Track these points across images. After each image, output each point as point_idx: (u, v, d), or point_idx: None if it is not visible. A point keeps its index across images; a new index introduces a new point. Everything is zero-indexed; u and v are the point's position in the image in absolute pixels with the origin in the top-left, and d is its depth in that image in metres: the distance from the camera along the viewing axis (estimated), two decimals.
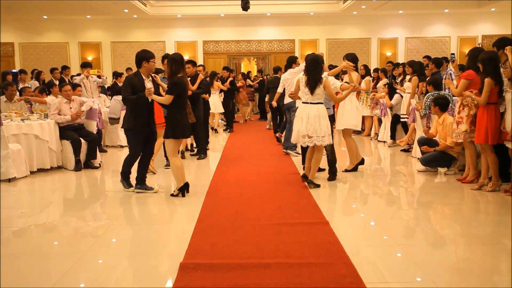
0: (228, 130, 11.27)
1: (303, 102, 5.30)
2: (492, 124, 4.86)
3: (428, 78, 7.76)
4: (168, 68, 4.96)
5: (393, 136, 8.51)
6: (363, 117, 10.07)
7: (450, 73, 7.94)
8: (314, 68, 5.19)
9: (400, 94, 8.31)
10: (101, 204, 5.10)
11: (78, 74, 10.06)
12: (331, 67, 10.41)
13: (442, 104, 6.03)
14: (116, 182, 5.76)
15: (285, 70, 7.82)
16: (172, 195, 5.11)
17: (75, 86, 7.80)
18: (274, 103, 8.46)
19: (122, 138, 8.61)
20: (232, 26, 17.01)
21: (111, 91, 10.24)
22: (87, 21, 16.72)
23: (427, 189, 5.55)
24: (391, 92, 8.61)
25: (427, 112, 6.57)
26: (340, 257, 3.33)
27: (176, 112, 4.96)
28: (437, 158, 6.05)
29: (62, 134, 6.68)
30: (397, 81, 8.84)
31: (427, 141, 6.39)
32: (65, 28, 16.78)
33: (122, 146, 8.63)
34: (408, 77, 8.26)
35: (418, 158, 6.59)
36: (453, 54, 6.46)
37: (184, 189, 5.07)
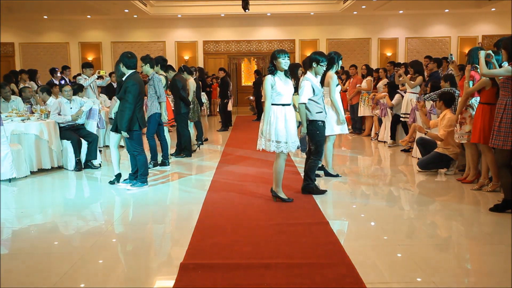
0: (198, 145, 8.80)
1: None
2: (486, 124, 4.86)
3: (428, 78, 7.76)
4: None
5: (393, 136, 8.51)
6: (364, 117, 10.09)
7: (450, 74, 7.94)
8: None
9: (401, 94, 8.31)
10: (101, 204, 5.10)
11: (79, 74, 10.05)
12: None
13: (447, 100, 6.03)
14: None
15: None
16: (110, 182, 5.72)
17: (81, 88, 7.84)
18: None
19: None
20: (232, 26, 17.01)
21: (106, 91, 10.08)
22: (87, 21, 16.72)
23: (427, 189, 5.55)
24: (392, 92, 8.61)
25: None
26: (340, 257, 3.33)
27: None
28: (434, 160, 6.05)
29: (62, 134, 6.68)
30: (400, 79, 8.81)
31: (426, 142, 6.39)
32: (65, 28, 16.78)
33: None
34: (409, 76, 8.25)
35: (418, 159, 6.59)
36: (451, 54, 6.48)
37: (120, 177, 5.73)
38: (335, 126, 5.84)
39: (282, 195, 4.82)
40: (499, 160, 4.52)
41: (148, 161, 6.65)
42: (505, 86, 4.40)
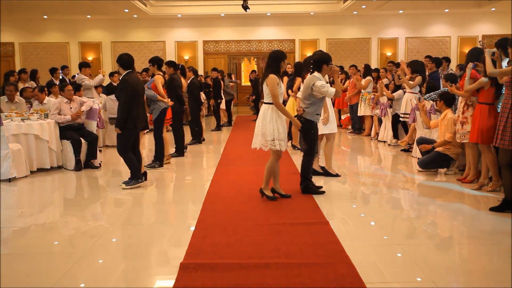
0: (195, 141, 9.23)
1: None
2: (485, 124, 4.86)
3: (427, 78, 7.76)
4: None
5: (395, 135, 8.51)
6: (363, 117, 10.08)
7: (451, 73, 7.93)
8: (267, 65, 4.78)
9: (404, 90, 8.30)
10: (101, 204, 5.10)
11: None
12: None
13: (447, 99, 6.03)
14: (116, 182, 5.77)
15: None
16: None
17: (79, 87, 7.87)
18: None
19: None
20: (232, 26, 17.01)
21: (106, 91, 10.08)
22: (87, 21, 16.72)
23: (427, 189, 5.55)
24: (394, 88, 8.63)
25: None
26: (340, 257, 3.33)
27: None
28: (435, 160, 6.05)
29: (62, 134, 6.68)
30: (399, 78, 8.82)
31: (426, 142, 6.39)
32: (65, 28, 16.78)
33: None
34: (408, 77, 8.25)
35: (418, 159, 6.59)
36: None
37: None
38: (325, 125, 5.93)
39: (268, 193, 4.91)
40: (502, 160, 4.51)
41: (153, 162, 6.67)
42: (510, 86, 4.40)
